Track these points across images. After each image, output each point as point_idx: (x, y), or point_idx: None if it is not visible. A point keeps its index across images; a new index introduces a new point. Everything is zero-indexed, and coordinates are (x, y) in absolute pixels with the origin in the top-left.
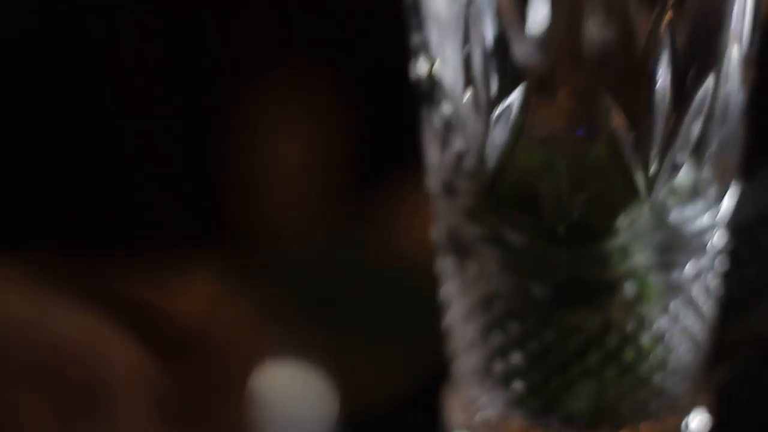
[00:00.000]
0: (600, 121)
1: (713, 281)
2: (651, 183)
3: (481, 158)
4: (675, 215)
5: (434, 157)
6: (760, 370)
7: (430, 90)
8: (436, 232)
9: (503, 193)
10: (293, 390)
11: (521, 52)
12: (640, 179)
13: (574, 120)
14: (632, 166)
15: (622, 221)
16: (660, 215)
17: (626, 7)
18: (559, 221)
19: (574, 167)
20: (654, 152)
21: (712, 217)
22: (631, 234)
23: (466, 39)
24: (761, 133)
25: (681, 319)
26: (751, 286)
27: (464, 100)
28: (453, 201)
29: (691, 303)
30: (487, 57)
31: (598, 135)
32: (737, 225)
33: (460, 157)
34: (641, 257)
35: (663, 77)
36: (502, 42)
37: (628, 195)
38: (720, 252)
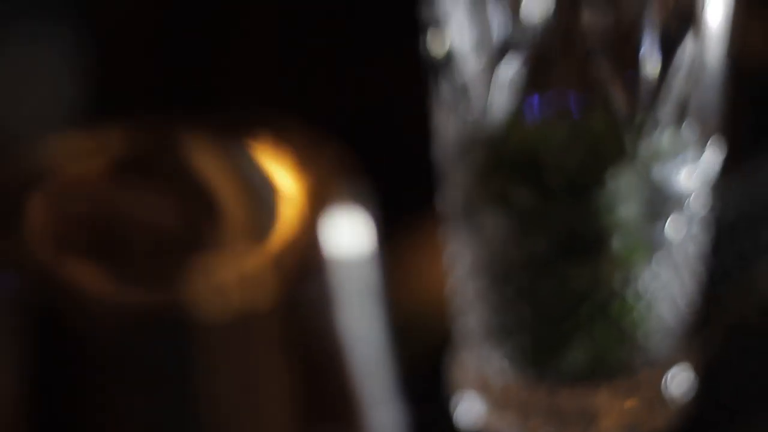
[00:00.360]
0: (595, 86)
1: (695, 243)
2: (636, 140)
3: (488, 124)
4: (658, 172)
5: (445, 126)
6: (744, 336)
7: (441, 61)
8: (444, 200)
9: (508, 156)
10: None
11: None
12: (626, 136)
13: (572, 85)
14: (620, 124)
15: (610, 176)
16: (644, 171)
17: None
18: (556, 178)
19: (570, 128)
20: (639, 111)
21: (692, 175)
22: (618, 188)
23: (475, 16)
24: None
25: (663, 277)
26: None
27: (473, 71)
28: (462, 167)
29: (673, 262)
30: (493, 32)
31: (592, 99)
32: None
33: (469, 124)
34: (627, 210)
35: (648, 40)
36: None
37: (616, 152)
38: (702, 215)
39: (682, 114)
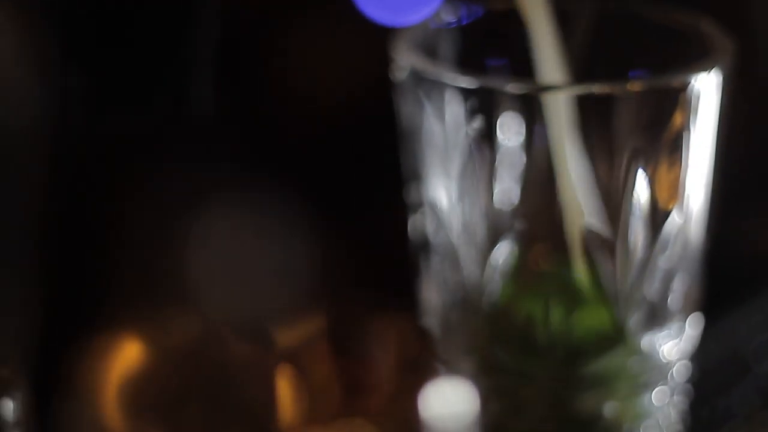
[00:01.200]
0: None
1: (676, 409)
2: (626, 314)
3: (478, 296)
4: (646, 343)
5: (431, 297)
6: None
7: (430, 240)
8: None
9: (499, 327)
10: None
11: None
12: (616, 310)
13: (558, 259)
14: (610, 298)
15: (601, 349)
16: (634, 343)
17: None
18: (547, 350)
19: (561, 301)
20: (628, 285)
21: (677, 346)
22: (609, 361)
23: (458, 203)
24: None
25: None
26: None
27: (463, 252)
28: (451, 338)
29: (660, 428)
30: (478, 217)
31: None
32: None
33: (457, 296)
34: (619, 380)
35: (635, 217)
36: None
37: (607, 324)
38: (684, 382)
39: (667, 288)
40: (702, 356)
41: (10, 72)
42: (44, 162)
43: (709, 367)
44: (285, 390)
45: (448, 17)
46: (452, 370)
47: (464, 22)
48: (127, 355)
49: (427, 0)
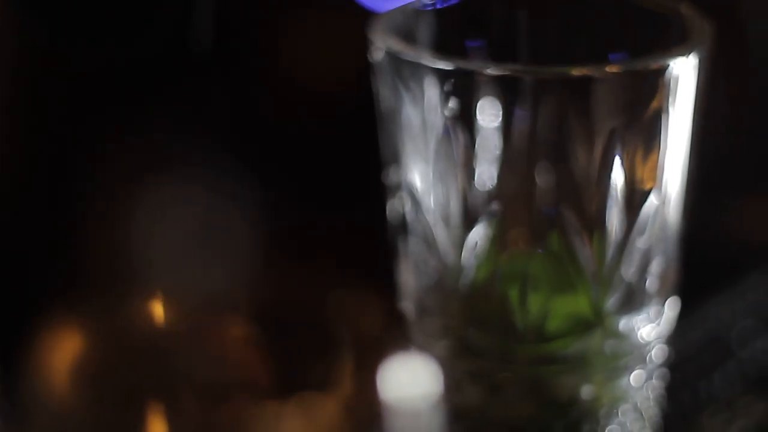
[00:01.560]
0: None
1: (656, 392)
2: (603, 296)
3: (455, 278)
4: (623, 325)
5: (408, 280)
6: None
7: (406, 222)
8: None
9: (475, 309)
10: None
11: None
12: (594, 292)
13: (535, 242)
14: (587, 280)
15: (578, 332)
16: (611, 326)
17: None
18: (524, 332)
19: (537, 282)
20: (606, 267)
21: (654, 328)
22: (586, 343)
23: (436, 185)
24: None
25: (628, 426)
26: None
27: (439, 233)
28: (426, 321)
29: (637, 411)
30: (455, 199)
31: (556, 253)
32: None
33: (433, 278)
34: (596, 363)
35: (612, 199)
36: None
37: (584, 306)
38: (662, 365)
39: (644, 270)
40: (683, 340)
41: None
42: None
43: (690, 351)
44: (249, 364)
45: (427, 0)
46: (428, 352)
47: (441, 5)
48: (86, 338)
49: None
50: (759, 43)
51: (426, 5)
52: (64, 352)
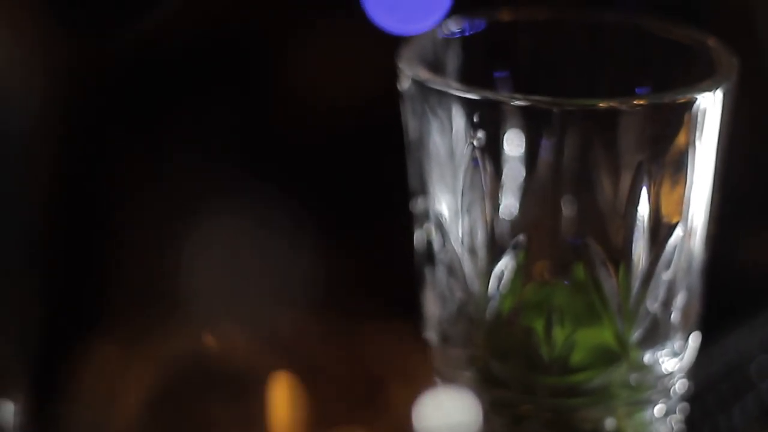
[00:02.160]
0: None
1: (678, 425)
2: (628, 328)
3: (480, 309)
4: (647, 358)
5: (433, 309)
6: None
7: (433, 252)
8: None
9: (500, 340)
10: None
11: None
12: (619, 325)
13: (561, 273)
14: (612, 312)
15: (603, 364)
16: (635, 358)
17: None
18: (548, 365)
19: (562, 314)
20: (631, 299)
21: (677, 361)
22: (611, 376)
23: (463, 215)
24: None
25: None
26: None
27: (466, 265)
28: (451, 351)
29: None
30: (482, 230)
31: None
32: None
33: (459, 308)
34: (619, 395)
35: (638, 231)
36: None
37: (609, 338)
38: (684, 398)
39: (669, 302)
40: (704, 373)
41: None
42: (46, 166)
43: (711, 384)
44: (284, 398)
45: (454, 27)
46: (452, 382)
47: (469, 33)
48: (128, 362)
49: (435, 8)
50: None
51: (454, 33)
52: (104, 379)
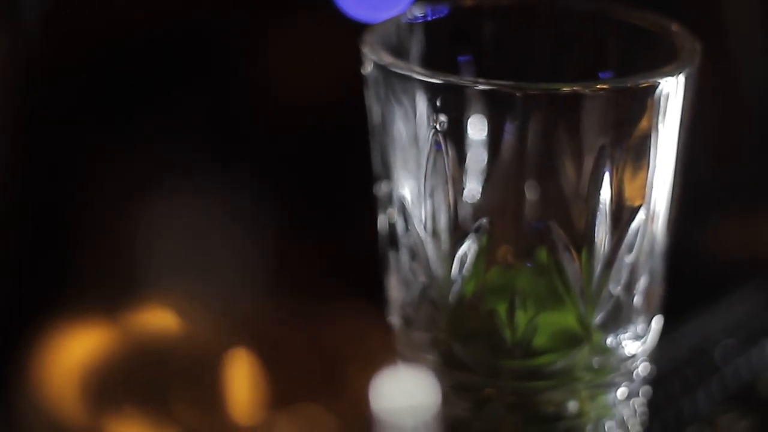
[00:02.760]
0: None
1: (641, 408)
2: (591, 311)
3: (443, 292)
4: (610, 341)
5: (396, 293)
6: None
7: (395, 234)
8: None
9: (463, 323)
10: None
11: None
12: (581, 308)
13: (524, 256)
14: (575, 295)
15: (566, 348)
16: (598, 341)
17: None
18: (511, 348)
19: (525, 297)
20: (594, 283)
21: (640, 344)
22: (574, 359)
23: (426, 198)
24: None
25: None
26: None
27: (429, 247)
28: (414, 334)
29: (622, 426)
30: (444, 213)
31: (544, 268)
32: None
33: (422, 292)
34: (582, 378)
35: (601, 215)
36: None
37: (572, 321)
38: (647, 381)
39: (631, 286)
40: (668, 356)
41: None
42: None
43: (674, 368)
44: (244, 376)
45: (418, 12)
46: (415, 365)
47: (433, 18)
48: (85, 342)
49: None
50: (743, 60)
51: (417, 17)
52: (60, 355)
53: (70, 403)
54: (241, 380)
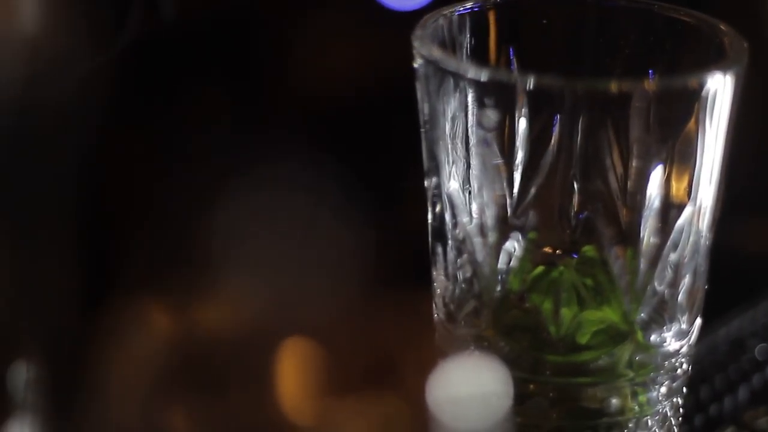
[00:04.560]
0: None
1: (682, 405)
2: (635, 308)
3: (489, 287)
4: (653, 338)
5: (442, 287)
6: None
7: (445, 230)
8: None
9: (508, 319)
10: None
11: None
12: (626, 305)
13: (570, 253)
14: (620, 292)
15: (610, 342)
16: (642, 338)
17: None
18: (555, 343)
19: (570, 293)
20: (639, 280)
21: (683, 342)
22: (617, 354)
23: (476, 194)
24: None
25: None
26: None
27: (477, 242)
28: (459, 329)
29: (664, 423)
30: (494, 209)
31: (590, 265)
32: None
33: (468, 287)
34: (625, 375)
35: (647, 212)
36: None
37: (616, 318)
38: (688, 378)
39: (675, 284)
40: (709, 354)
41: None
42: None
43: (716, 365)
44: (297, 366)
45: (468, 6)
46: (459, 360)
47: (483, 11)
48: (146, 332)
49: None
50: None
51: (467, 11)
52: (122, 345)
53: (130, 398)
54: (294, 370)
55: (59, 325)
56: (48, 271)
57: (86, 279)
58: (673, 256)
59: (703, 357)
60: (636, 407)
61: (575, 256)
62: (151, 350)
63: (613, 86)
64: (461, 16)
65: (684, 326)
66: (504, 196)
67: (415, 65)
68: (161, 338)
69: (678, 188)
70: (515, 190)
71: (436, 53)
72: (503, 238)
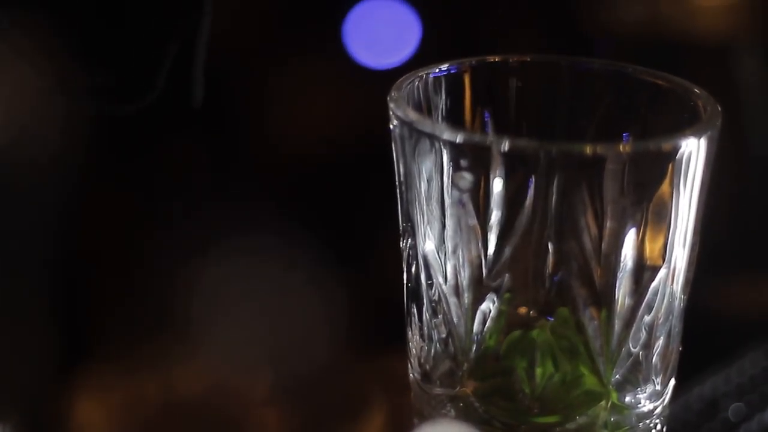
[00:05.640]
0: (570, 314)
1: None
2: (610, 369)
3: (464, 348)
4: (628, 399)
5: (417, 347)
6: None
7: (418, 286)
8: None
9: (483, 379)
10: None
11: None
12: (601, 366)
13: (544, 314)
14: (595, 353)
15: (584, 404)
16: (616, 399)
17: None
18: (531, 403)
19: (545, 354)
20: (613, 341)
21: (657, 403)
22: (592, 415)
23: (451, 254)
24: None
25: None
26: None
27: (453, 303)
28: (433, 389)
29: None
30: (468, 269)
31: (564, 326)
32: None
33: (443, 347)
34: None
35: (622, 273)
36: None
37: (591, 379)
38: None
39: (650, 345)
40: (682, 416)
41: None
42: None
43: (689, 428)
44: (279, 426)
45: (444, 68)
46: (434, 420)
47: (458, 74)
48: (124, 389)
49: (405, 43)
50: (760, 123)
51: (443, 73)
52: (99, 405)
53: None
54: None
55: (35, 386)
56: (24, 333)
57: (62, 341)
58: (647, 318)
59: (677, 417)
60: None
61: (550, 319)
62: (127, 411)
63: (588, 149)
64: (437, 78)
65: (658, 387)
66: (479, 257)
67: (391, 126)
68: (137, 399)
69: (652, 250)
70: (490, 251)
71: (412, 115)
72: (478, 299)
